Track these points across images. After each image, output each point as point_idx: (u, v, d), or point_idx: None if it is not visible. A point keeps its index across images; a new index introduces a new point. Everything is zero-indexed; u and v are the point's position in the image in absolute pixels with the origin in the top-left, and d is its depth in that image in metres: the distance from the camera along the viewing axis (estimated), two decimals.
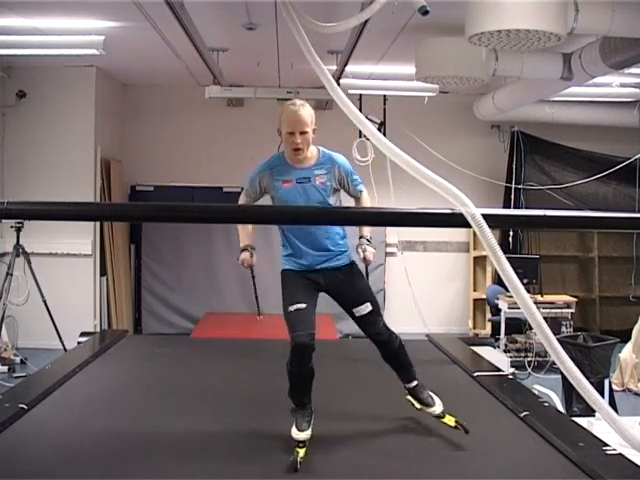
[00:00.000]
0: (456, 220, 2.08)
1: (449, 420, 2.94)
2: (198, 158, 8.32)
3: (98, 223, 7.19)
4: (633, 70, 5.74)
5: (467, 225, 2.07)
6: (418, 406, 3.00)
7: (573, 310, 7.23)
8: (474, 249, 8.64)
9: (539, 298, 6.82)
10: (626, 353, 6.28)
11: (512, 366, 5.89)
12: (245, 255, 2.97)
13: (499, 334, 7.04)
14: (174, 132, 8.40)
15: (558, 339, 2.02)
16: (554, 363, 2.29)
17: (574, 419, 3.25)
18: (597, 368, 4.89)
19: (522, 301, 2.01)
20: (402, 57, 6.01)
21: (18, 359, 6.56)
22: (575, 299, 7.41)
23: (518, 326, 7.01)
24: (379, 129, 7.06)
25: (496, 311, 7.27)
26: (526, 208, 7.63)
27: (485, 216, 2.04)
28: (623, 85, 6.65)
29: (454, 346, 4.66)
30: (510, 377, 4.00)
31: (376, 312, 2.92)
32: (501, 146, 8.59)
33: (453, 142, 8.35)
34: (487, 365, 4.12)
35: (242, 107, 8.33)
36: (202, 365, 4.14)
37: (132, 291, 8.32)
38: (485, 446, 2.82)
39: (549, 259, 8.09)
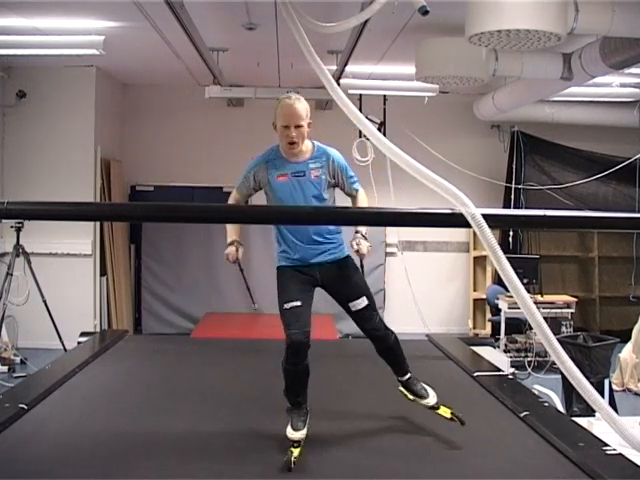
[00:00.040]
0: (456, 220, 2.08)
1: (444, 412, 2.95)
2: (198, 158, 8.32)
3: (98, 223, 7.19)
4: (633, 70, 5.74)
5: (467, 225, 2.07)
6: (411, 397, 3.01)
7: (573, 310, 7.23)
8: (474, 249, 8.64)
9: (539, 298, 6.82)
10: (626, 353, 6.28)
11: (512, 366, 5.89)
12: (230, 249, 2.93)
13: (499, 334, 7.03)
14: (174, 132, 8.40)
15: (558, 339, 2.02)
16: (554, 363, 2.30)
17: (574, 419, 3.25)
18: (597, 368, 4.89)
19: (522, 301, 2.01)
20: (402, 57, 6.01)
21: (18, 359, 6.56)
22: (575, 299, 7.41)
23: (518, 326, 7.01)
24: (379, 129, 7.06)
25: (496, 311, 7.27)
26: (526, 208, 7.63)
27: (485, 216, 2.04)
28: (623, 85, 6.65)
29: (454, 346, 4.66)
30: (510, 377, 4.00)
31: (372, 307, 2.92)
32: (501, 146, 8.59)
33: (453, 142, 8.35)
34: (487, 365, 4.12)
35: (242, 107, 8.33)
36: (202, 365, 4.14)
37: (132, 291, 8.32)
38: (485, 446, 2.82)
39: (549, 259, 8.09)
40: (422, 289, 8.31)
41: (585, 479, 2.43)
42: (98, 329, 7.15)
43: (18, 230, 6.04)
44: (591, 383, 2.01)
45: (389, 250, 8.58)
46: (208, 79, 6.71)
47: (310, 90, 6.25)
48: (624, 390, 6.19)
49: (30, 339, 6.88)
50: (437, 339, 4.86)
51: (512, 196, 8.18)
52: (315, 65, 2.32)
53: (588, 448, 2.64)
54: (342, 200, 3.04)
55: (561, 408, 4.17)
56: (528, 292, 2.13)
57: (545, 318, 2.04)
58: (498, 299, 7.11)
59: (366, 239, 2.93)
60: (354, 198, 3.01)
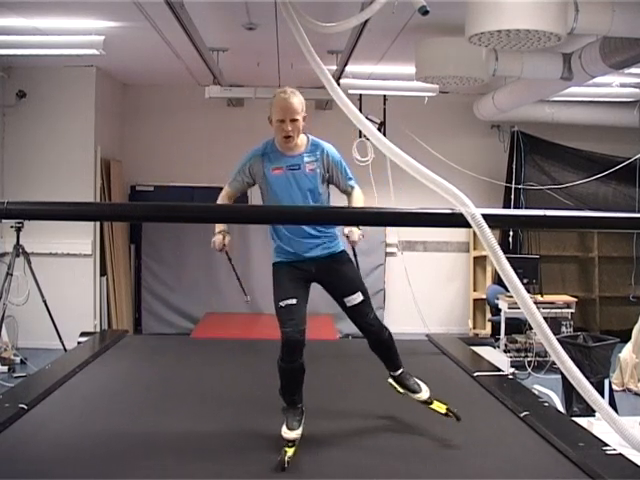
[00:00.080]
0: (456, 220, 2.08)
1: (439, 407, 2.96)
2: (198, 158, 8.32)
3: (98, 223, 7.19)
4: (633, 70, 5.74)
5: (467, 225, 2.07)
6: (401, 391, 3.03)
7: (573, 310, 7.23)
8: (474, 249, 8.64)
9: (539, 298, 6.82)
10: (626, 353, 6.28)
11: (512, 366, 5.89)
12: (217, 237, 2.91)
13: (499, 334, 7.03)
14: (174, 132, 8.40)
15: (558, 339, 2.02)
16: (554, 363, 2.30)
17: (574, 419, 3.25)
18: (597, 368, 4.89)
19: (522, 301, 2.01)
20: (402, 57, 6.01)
21: (18, 359, 6.56)
22: (575, 299, 7.41)
23: (518, 326, 7.01)
24: (379, 129, 7.07)
25: (496, 311, 7.27)
26: (526, 208, 7.63)
27: (485, 216, 2.04)
28: (623, 85, 6.65)
29: (454, 346, 4.66)
30: (510, 377, 4.00)
31: (367, 302, 2.91)
32: (501, 146, 8.59)
33: (453, 142, 8.35)
34: (487, 365, 4.12)
35: (242, 107, 8.33)
36: (202, 365, 4.14)
37: (132, 291, 8.32)
38: (485, 446, 2.82)
39: (549, 259, 8.09)
40: (422, 289, 8.31)
41: (585, 479, 2.44)
42: (98, 329, 7.15)
43: (18, 230, 6.04)
44: (591, 383, 2.01)
45: (389, 250, 8.58)
46: (208, 79, 6.71)
47: (310, 90, 6.24)
48: (624, 390, 6.19)
49: (30, 339, 6.88)
50: (437, 339, 4.86)
51: (512, 196, 8.18)
52: (315, 65, 2.31)
53: (588, 448, 2.64)
54: (340, 199, 3.03)
55: (561, 408, 4.17)
56: (528, 292, 2.13)
57: (545, 318, 2.04)
58: (498, 299, 7.11)
59: (359, 228, 2.89)
60: (349, 195, 2.98)
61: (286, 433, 2.69)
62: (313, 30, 2.73)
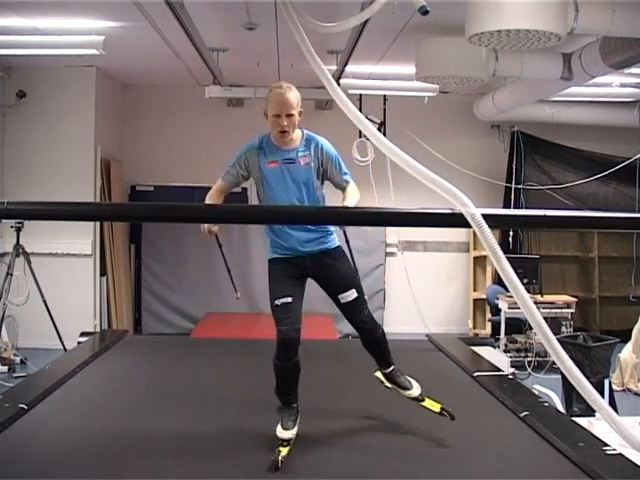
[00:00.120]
0: (456, 220, 2.08)
1: (432, 405, 2.96)
2: (198, 158, 8.31)
3: (98, 223, 7.19)
4: (633, 70, 5.74)
5: (467, 225, 2.07)
6: (389, 385, 3.03)
7: (573, 310, 7.23)
8: (474, 249, 8.64)
9: (539, 298, 6.82)
10: (626, 353, 6.28)
11: (512, 366, 5.89)
12: (206, 224, 2.85)
13: (499, 334, 7.03)
14: (174, 132, 8.40)
15: (558, 339, 2.02)
16: (554, 363, 2.30)
17: (574, 419, 3.25)
18: (597, 368, 4.89)
19: (522, 301, 2.01)
20: (402, 57, 6.01)
21: (18, 359, 6.56)
22: (575, 299, 7.41)
23: (518, 326, 7.01)
24: (379, 129, 7.06)
25: (496, 311, 7.27)
26: (526, 208, 7.63)
27: (485, 216, 2.04)
28: (623, 85, 6.65)
29: (454, 346, 4.66)
30: (510, 377, 4.00)
31: (361, 299, 2.91)
32: (501, 146, 8.59)
33: (453, 142, 8.35)
34: (487, 365, 4.12)
35: (242, 107, 8.33)
36: (202, 365, 4.14)
37: (132, 291, 8.32)
38: (485, 446, 2.82)
39: (549, 259, 8.09)
40: (422, 289, 8.31)
41: (585, 479, 2.43)
42: (98, 329, 7.15)
43: (18, 230, 6.04)
44: (591, 383, 2.01)
45: (389, 250, 8.58)
46: (208, 79, 6.71)
47: (310, 90, 6.24)
48: (624, 390, 6.19)
49: (30, 339, 6.88)
50: (437, 339, 4.86)
51: (512, 196, 8.18)
52: (315, 65, 2.32)
53: (588, 448, 2.64)
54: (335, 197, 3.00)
55: (561, 408, 4.17)
56: (528, 292, 2.13)
57: (545, 318, 2.04)
58: (498, 299, 7.11)
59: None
60: (344, 190, 2.95)
61: (281, 433, 2.69)
62: (313, 30, 2.73)
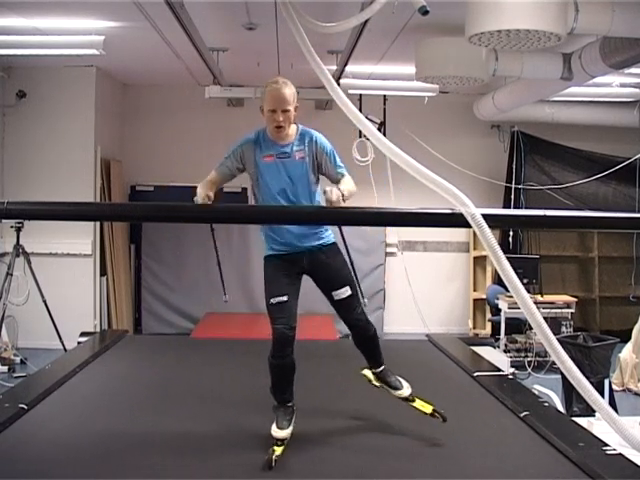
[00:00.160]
0: (456, 220, 2.08)
1: (422, 406, 2.96)
2: (198, 158, 8.28)
3: (98, 223, 7.18)
4: (633, 70, 5.74)
5: (467, 225, 2.07)
6: (377, 384, 3.04)
7: (573, 310, 7.23)
8: (474, 249, 8.64)
9: (539, 298, 6.82)
10: (626, 353, 6.28)
11: (512, 366, 5.89)
12: (200, 194, 2.81)
13: (499, 334, 7.03)
14: (174, 132, 8.40)
15: (558, 339, 2.03)
16: (554, 363, 2.30)
17: (574, 419, 3.25)
18: (597, 368, 4.89)
19: (522, 301, 2.01)
20: (402, 57, 6.01)
21: (18, 359, 6.56)
22: (575, 299, 7.41)
23: (518, 326, 7.01)
24: (379, 129, 7.07)
25: (496, 311, 7.27)
26: (526, 208, 7.63)
27: (485, 216, 2.04)
28: (623, 85, 6.65)
29: (454, 346, 4.66)
30: (510, 377, 4.00)
31: (355, 297, 2.90)
32: (501, 146, 8.59)
33: (453, 142, 8.35)
34: (487, 365, 4.12)
35: (242, 107, 8.32)
36: (202, 365, 4.14)
37: (132, 291, 8.32)
38: (485, 446, 2.82)
39: (549, 259, 8.09)
40: (422, 289, 8.31)
41: (585, 479, 2.43)
42: (98, 329, 7.15)
43: (18, 230, 6.03)
44: (591, 383, 2.02)
45: (389, 250, 8.58)
46: (208, 79, 6.71)
47: (310, 90, 6.25)
48: (624, 390, 6.19)
49: (30, 339, 6.88)
50: (437, 339, 4.86)
51: (512, 196, 8.18)
52: (315, 65, 2.32)
53: (588, 448, 2.64)
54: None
55: (561, 408, 4.17)
56: (528, 292, 2.13)
57: (545, 318, 2.04)
58: (498, 299, 7.12)
59: (343, 196, 2.65)
60: (339, 184, 2.86)
61: (276, 432, 2.70)
62: (313, 30, 2.73)
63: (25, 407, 3.04)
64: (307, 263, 2.88)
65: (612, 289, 8.45)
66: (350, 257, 3.02)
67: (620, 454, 2.54)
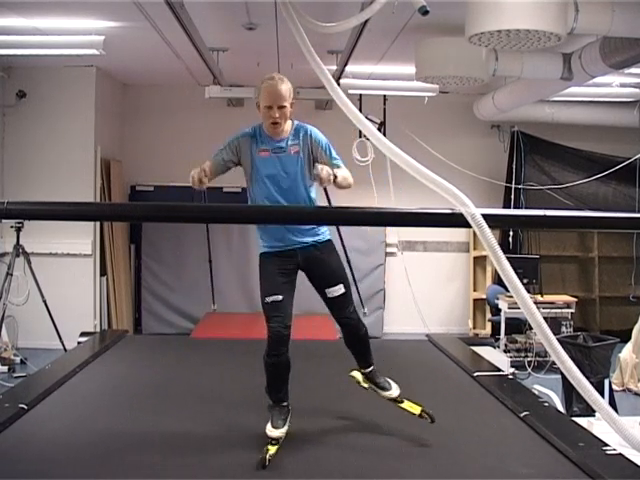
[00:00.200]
0: (456, 220, 2.08)
1: (411, 407, 2.96)
2: (198, 158, 8.22)
3: (98, 223, 7.18)
4: (633, 70, 5.74)
5: (467, 225, 2.07)
6: (365, 385, 3.04)
7: (573, 310, 7.23)
8: (474, 249, 8.64)
9: (539, 298, 6.82)
10: (626, 353, 6.28)
11: (512, 366, 5.89)
12: (196, 170, 2.80)
13: (499, 334, 7.03)
14: (174, 132, 8.39)
15: (558, 339, 2.03)
16: (554, 363, 2.30)
17: (574, 419, 3.25)
18: (597, 368, 4.89)
19: (522, 301, 2.01)
20: (402, 57, 6.01)
21: (18, 359, 6.56)
22: (575, 299, 7.41)
23: (518, 326, 7.01)
24: (379, 129, 7.06)
25: (496, 311, 7.27)
26: (526, 208, 7.63)
27: (485, 216, 2.04)
28: (623, 85, 6.64)
29: (454, 346, 4.66)
30: (510, 377, 4.00)
31: (348, 295, 2.91)
32: (501, 146, 8.59)
33: (453, 142, 8.35)
34: (487, 365, 4.12)
35: (242, 107, 8.32)
36: (202, 365, 4.14)
37: (132, 291, 8.32)
38: (485, 446, 2.82)
39: (549, 259, 8.09)
40: (422, 289, 8.31)
41: (585, 479, 2.43)
42: (98, 329, 7.15)
43: (18, 230, 6.03)
44: (591, 383, 2.02)
45: (389, 250, 8.58)
46: (208, 79, 6.71)
47: (310, 90, 6.25)
48: (624, 390, 6.19)
49: (30, 339, 6.88)
50: (437, 339, 4.86)
51: (512, 196, 8.18)
52: (315, 65, 2.32)
53: (588, 448, 2.64)
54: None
55: (561, 408, 4.17)
56: (528, 292, 2.13)
57: (545, 318, 2.04)
58: (498, 299, 7.11)
59: (336, 178, 2.64)
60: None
61: (270, 431, 2.70)
62: (313, 30, 2.73)
63: (25, 407, 3.04)
64: (302, 259, 2.87)
65: (612, 289, 8.45)
66: (348, 258, 3.02)
67: (620, 454, 2.54)
